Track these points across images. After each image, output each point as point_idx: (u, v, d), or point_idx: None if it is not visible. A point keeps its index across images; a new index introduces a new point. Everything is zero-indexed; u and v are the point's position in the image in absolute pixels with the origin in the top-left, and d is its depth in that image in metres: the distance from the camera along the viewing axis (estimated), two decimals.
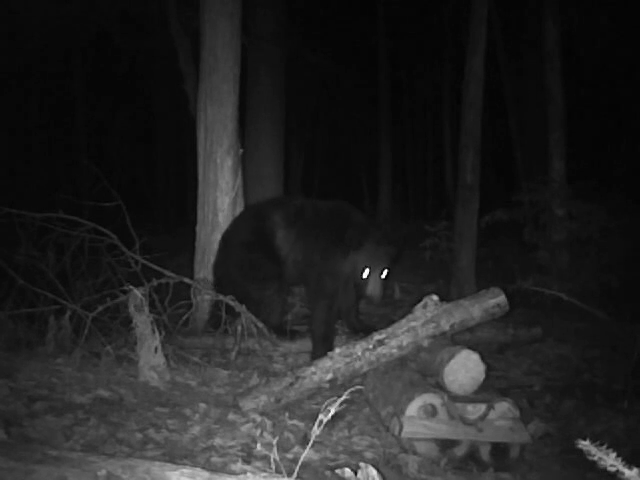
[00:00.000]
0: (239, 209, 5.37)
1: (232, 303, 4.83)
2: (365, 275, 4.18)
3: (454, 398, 3.27)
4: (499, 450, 3.21)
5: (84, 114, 16.04)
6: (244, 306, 4.78)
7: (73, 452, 2.38)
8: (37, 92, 15.43)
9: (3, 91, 13.08)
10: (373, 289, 4.17)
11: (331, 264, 4.42)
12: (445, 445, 3.20)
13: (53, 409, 3.16)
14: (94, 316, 4.12)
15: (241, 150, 5.45)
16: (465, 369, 3.35)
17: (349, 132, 17.38)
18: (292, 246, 4.61)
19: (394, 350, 3.65)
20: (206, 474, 1.92)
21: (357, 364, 3.62)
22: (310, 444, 2.19)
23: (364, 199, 16.60)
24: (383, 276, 4.21)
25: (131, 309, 3.83)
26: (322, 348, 4.12)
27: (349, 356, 3.59)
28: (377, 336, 3.68)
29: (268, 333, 4.69)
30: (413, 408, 3.19)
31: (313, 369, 3.53)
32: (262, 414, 3.33)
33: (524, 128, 10.94)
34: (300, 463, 2.15)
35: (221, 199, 5.26)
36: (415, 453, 3.15)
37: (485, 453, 3.21)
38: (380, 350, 3.64)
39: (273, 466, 2.20)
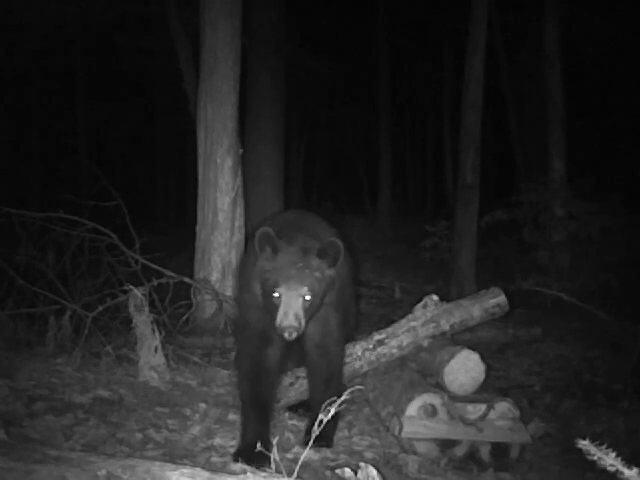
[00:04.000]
0: (239, 209, 5.37)
1: (232, 302, 4.83)
2: (276, 295, 2.76)
3: (454, 398, 3.27)
4: (499, 450, 3.21)
5: (84, 114, 16.05)
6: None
7: (73, 452, 2.38)
8: (38, 92, 15.44)
9: (4, 91, 13.09)
10: (284, 317, 2.69)
11: (238, 282, 3.35)
12: (445, 445, 3.20)
13: (53, 409, 3.16)
14: (94, 316, 4.13)
15: (241, 150, 5.45)
16: (465, 369, 3.35)
17: (349, 132, 17.38)
18: None
19: (394, 350, 3.65)
20: (206, 474, 1.92)
21: (357, 364, 3.62)
22: (310, 444, 2.19)
23: (364, 199, 16.60)
24: (306, 298, 2.76)
25: (131, 309, 3.83)
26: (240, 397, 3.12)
27: (349, 356, 3.59)
28: (377, 336, 3.68)
29: None
30: (413, 408, 3.19)
31: None
32: None
33: (524, 128, 10.95)
34: (300, 463, 2.15)
35: (221, 199, 5.26)
36: (415, 453, 3.15)
37: (485, 453, 3.21)
38: (380, 350, 3.64)
39: (273, 466, 2.20)
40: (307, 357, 3.15)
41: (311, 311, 2.80)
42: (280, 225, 3.05)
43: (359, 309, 4.05)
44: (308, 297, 2.76)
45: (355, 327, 3.95)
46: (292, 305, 2.73)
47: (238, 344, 3.33)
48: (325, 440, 3.00)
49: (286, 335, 2.69)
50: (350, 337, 3.65)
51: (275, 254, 2.82)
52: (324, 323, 3.03)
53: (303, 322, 2.73)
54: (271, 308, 2.78)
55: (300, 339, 2.93)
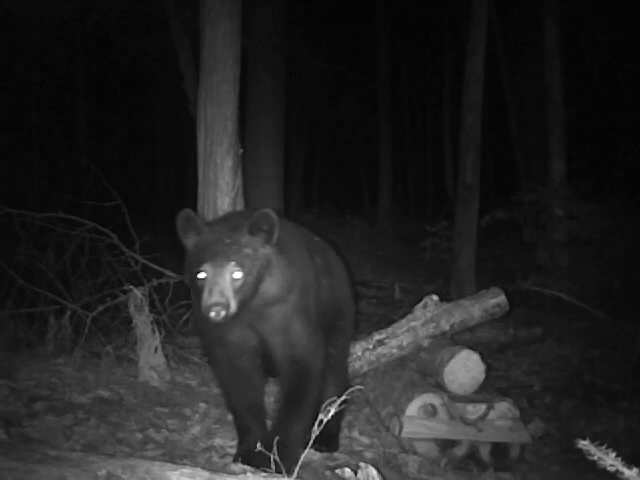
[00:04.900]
0: (239, 209, 5.37)
1: None
2: (201, 275, 2.41)
3: (454, 398, 3.27)
4: (499, 450, 3.21)
5: (84, 114, 16.05)
6: None
7: (73, 452, 2.38)
8: (37, 91, 15.44)
9: (4, 90, 13.09)
10: (208, 295, 2.34)
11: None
12: (445, 445, 3.20)
13: (53, 409, 3.16)
14: (94, 316, 4.13)
15: (241, 150, 5.44)
16: (465, 369, 3.35)
17: (349, 132, 17.38)
18: None
19: (394, 350, 3.65)
20: (206, 474, 1.92)
21: (357, 364, 3.62)
22: (310, 444, 2.19)
23: (364, 199, 16.60)
24: (234, 276, 2.40)
25: (131, 309, 3.83)
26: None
27: (349, 356, 3.59)
28: (377, 336, 3.69)
29: None
30: (413, 408, 3.19)
31: None
32: None
33: (524, 128, 10.95)
34: (300, 463, 2.15)
35: (221, 199, 5.25)
36: (415, 453, 3.15)
37: (485, 453, 3.21)
38: (380, 350, 3.64)
39: (273, 466, 2.20)
40: (277, 370, 2.76)
41: (244, 293, 2.41)
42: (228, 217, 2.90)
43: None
44: (237, 275, 2.39)
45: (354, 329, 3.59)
46: (218, 282, 2.36)
47: (208, 358, 3.14)
48: (331, 444, 3.03)
49: (213, 315, 2.30)
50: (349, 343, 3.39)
51: (199, 235, 2.53)
52: (285, 331, 2.62)
53: (232, 302, 2.35)
54: (199, 294, 2.39)
55: (269, 352, 2.69)
